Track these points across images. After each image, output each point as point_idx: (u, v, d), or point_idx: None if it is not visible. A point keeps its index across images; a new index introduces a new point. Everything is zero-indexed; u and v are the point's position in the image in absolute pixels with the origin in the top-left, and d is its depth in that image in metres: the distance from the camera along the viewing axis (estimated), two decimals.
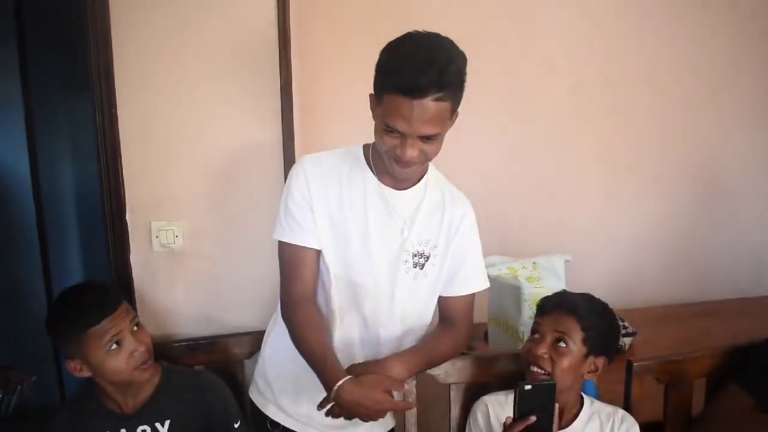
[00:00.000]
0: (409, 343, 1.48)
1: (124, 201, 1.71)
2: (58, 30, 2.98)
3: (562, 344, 1.41)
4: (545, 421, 1.26)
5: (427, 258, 1.43)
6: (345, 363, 1.33)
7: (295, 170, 1.40)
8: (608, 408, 1.48)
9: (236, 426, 1.64)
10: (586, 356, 1.42)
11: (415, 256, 1.41)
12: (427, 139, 1.23)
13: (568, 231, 2.50)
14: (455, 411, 1.60)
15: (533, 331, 1.48)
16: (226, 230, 1.78)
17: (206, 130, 1.73)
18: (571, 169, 2.49)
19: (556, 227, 2.48)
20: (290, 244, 1.37)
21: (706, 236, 2.70)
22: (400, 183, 1.39)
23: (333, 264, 1.38)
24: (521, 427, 1.26)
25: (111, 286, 1.59)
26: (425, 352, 1.43)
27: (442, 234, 1.44)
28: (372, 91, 1.28)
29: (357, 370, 1.29)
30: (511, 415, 1.30)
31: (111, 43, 1.64)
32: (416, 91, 1.16)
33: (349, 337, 1.44)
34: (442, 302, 1.51)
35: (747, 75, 2.62)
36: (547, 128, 2.42)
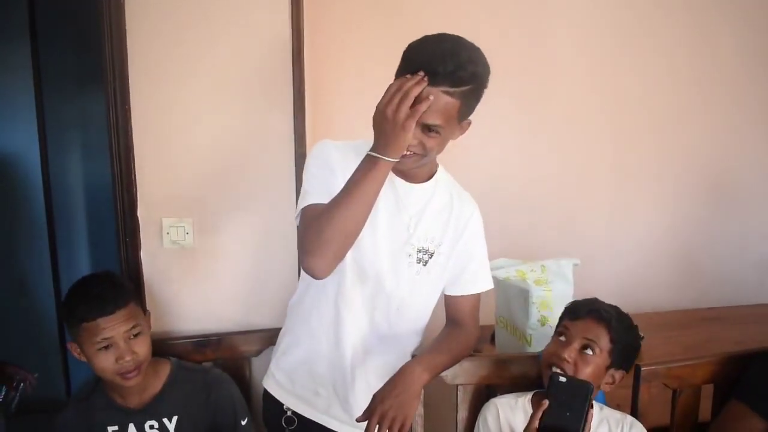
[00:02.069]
0: (406, 338, 1.50)
1: (136, 197, 1.71)
2: (71, 24, 2.99)
3: (589, 351, 1.40)
4: (573, 421, 1.22)
5: (431, 255, 1.44)
6: (340, 332, 1.42)
7: (318, 147, 1.41)
8: (617, 414, 1.47)
9: (243, 423, 1.65)
10: (608, 368, 1.42)
11: (419, 251, 1.43)
12: (428, 130, 1.24)
13: (575, 235, 2.50)
14: (462, 413, 1.60)
15: (559, 333, 1.46)
16: (237, 228, 1.78)
17: (219, 127, 1.74)
18: (579, 174, 2.49)
19: (563, 231, 2.48)
20: (319, 205, 1.29)
21: (713, 242, 2.70)
22: (411, 176, 1.40)
23: None
24: (539, 414, 1.24)
25: (125, 286, 1.56)
26: (443, 353, 1.44)
27: (448, 233, 1.46)
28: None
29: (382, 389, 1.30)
30: (522, 419, 1.30)
31: (126, 39, 1.64)
32: (429, 77, 1.18)
33: (348, 311, 1.43)
34: (450, 302, 1.54)
35: (756, 81, 2.62)
36: (556, 133, 2.42)
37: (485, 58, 1.26)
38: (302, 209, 1.33)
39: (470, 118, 1.32)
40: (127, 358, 1.47)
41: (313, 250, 1.23)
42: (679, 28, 2.48)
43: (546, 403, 1.25)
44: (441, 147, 1.31)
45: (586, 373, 1.38)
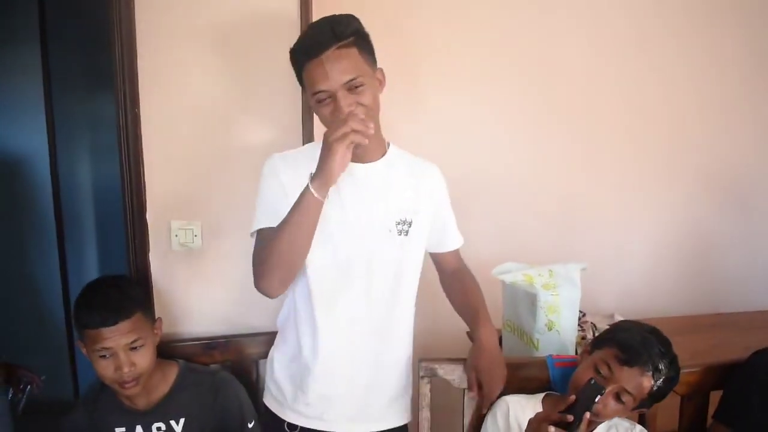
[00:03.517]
0: (404, 308, 1.54)
1: (145, 199, 1.72)
2: (81, 26, 3.02)
3: (622, 399, 1.35)
4: (580, 412, 1.24)
5: (410, 224, 1.48)
6: (323, 339, 1.46)
7: (266, 166, 1.46)
8: (626, 423, 1.46)
9: (250, 426, 1.65)
10: (633, 409, 1.40)
11: (398, 224, 1.47)
12: (354, 88, 1.31)
13: (582, 239, 2.49)
14: (469, 417, 1.59)
15: (598, 362, 1.39)
16: (245, 230, 1.77)
17: (227, 130, 1.75)
18: (587, 177, 2.48)
19: (571, 235, 2.47)
20: (267, 230, 1.37)
21: (722, 247, 2.69)
22: (364, 157, 1.43)
23: (317, 247, 1.37)
24: (561, 407, 1.26)
25: (133, 296, 1.55)
26: (480, 304, 1.57)
27: (421, 198, 1.51)
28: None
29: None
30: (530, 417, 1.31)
31: (135, 42, 1.65)
32: (317, 48, 1.29)
33: (331, 314, 1.46)
34: (440, 258, 1.67)
35: None
36: (563, 136, 2.42)
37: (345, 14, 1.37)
38: (255, 233, 1.41)
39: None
40: (125, 370, 1.47)
41: (261, 274, 1.35)
42: (689, 29, 2.47)
43: (573, 398, 1.26)
44: (376, 101, 1.38)
45: (608, 414, 1.36)
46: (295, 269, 1.35)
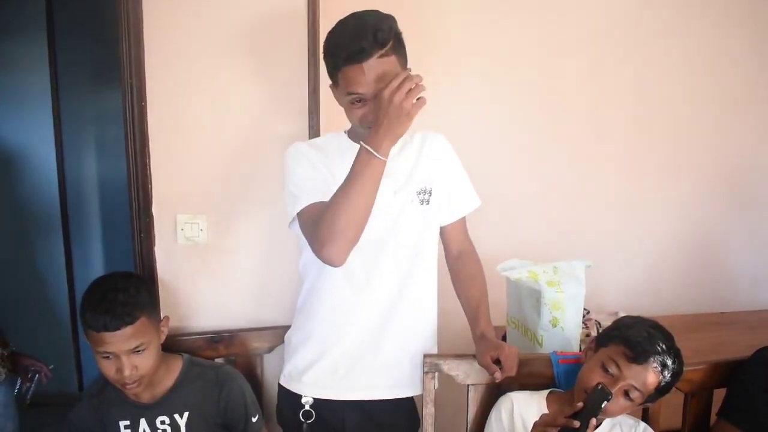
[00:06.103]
0: (427, 275, 1.57)
1: (151, 193, 1.73)
2: (88, 21, 3.02)
3: (632, 395, 1.35)
4: (587, 418, 1.24)
5: (430, 193, 1.53)
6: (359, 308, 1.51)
7: (292, 152, 1.48)
8: (630, 420, 1.46)
9: (254, 420, 1.66)
10: (640, 404, 1.39)
11: (419, 193, 1.52)
12: None
13: (586, 236, 2.48)
14: (473, 412, 1.60)
15: (606, 359, 1.39)
16: (250, 225, 1.79)
17: (234, 125, 1.75)
18: (591, 175, 2.47)
19: (574, 232, 2.47)
20: (317, 203, 1.37)
21: (727, 246, 2.67)
22: None
23: None
24: (568, 409, 1.25)
25: (139, 300, 1.50)
26: (482, 302, 1.59)
27: (433, 166, 1.55)
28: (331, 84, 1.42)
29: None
30: (536, 415, 1.31)
31: (143, 36, 1.66)
32: (361, 54, 1.29)
33: (377, 283, 1.50)
34: (446, 233, 1.63)
35: None
36: (567, 134, 2.41)
37: (383, 13, 1.36)
38: (300, 211, 1.39)
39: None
40: (127, 373, 1.46)
41: (327, 240, 1.30)
42: (694, 26, 2.45)
43: (580, 405, 1.25)
44: None
45: (615, 412, 1.36)
46: (361, 229, 1.32)
